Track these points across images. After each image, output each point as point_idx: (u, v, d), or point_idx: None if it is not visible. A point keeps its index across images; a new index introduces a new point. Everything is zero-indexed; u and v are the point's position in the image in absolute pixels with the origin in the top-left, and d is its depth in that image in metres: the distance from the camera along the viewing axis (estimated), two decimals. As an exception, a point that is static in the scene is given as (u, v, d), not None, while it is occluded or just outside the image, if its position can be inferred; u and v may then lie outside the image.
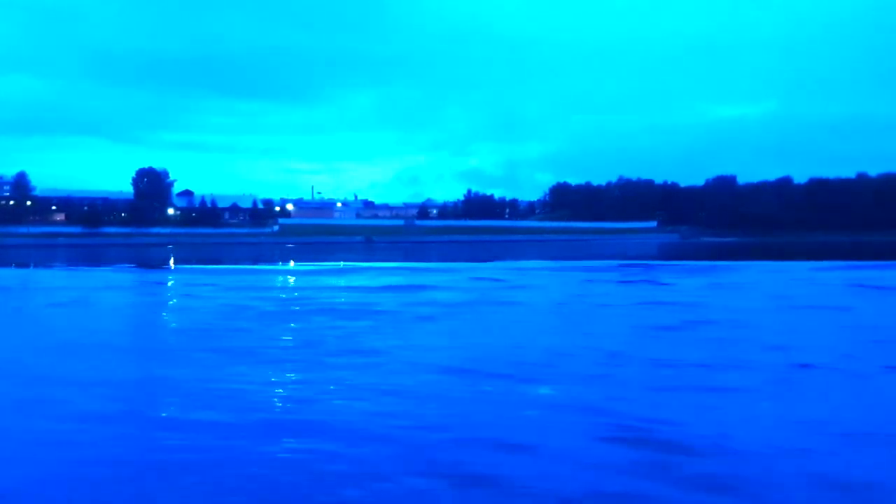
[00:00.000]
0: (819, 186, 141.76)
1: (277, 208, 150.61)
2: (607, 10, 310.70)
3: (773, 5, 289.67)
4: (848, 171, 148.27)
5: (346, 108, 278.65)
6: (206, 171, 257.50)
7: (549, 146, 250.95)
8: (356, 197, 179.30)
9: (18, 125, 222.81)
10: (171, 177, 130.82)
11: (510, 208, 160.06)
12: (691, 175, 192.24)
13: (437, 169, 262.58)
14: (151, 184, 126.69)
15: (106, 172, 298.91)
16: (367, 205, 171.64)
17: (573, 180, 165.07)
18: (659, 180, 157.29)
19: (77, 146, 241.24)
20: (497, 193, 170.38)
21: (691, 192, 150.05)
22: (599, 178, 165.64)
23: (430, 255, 63.03)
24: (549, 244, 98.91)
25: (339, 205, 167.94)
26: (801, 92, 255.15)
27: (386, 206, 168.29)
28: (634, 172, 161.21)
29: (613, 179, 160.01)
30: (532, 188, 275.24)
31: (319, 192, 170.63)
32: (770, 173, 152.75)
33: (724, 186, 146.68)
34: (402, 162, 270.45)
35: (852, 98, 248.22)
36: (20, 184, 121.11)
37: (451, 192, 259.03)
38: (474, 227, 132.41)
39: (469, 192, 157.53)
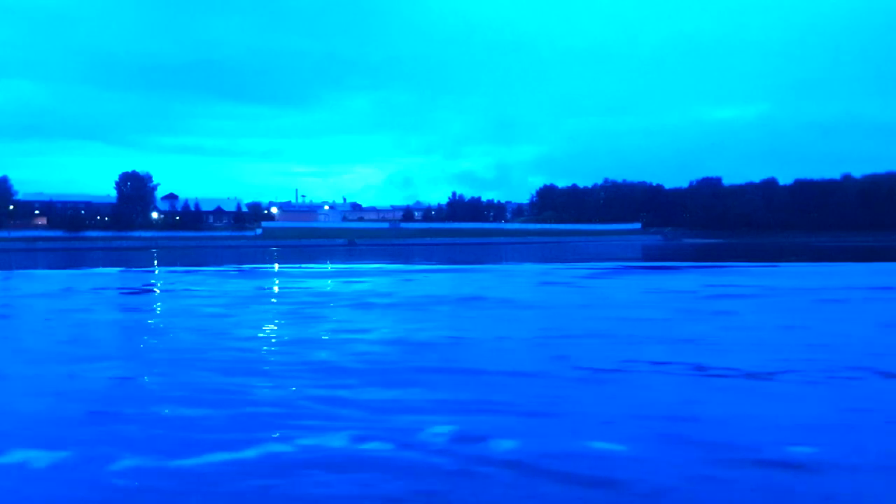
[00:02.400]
0: (803, 187, 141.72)
1: (266, 211, 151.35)
2: (599, 14, 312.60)
3: (762, 9, 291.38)
4: (836, 173, 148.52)
5: (341, 112, 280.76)
6: (203, 175, 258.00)
7: (542, 148, 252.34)
8: (345, 200, 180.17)
9: (14, 130, 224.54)
10: (155, 180, 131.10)
11: (495, 210, 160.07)
12: (681, 177, 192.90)
13: (430, 171, 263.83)
14: (135, 187, 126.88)
15: (101, 177, 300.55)
16: (355, 207, 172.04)
17: (566, 182, 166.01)
18: (647, 182, 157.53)
19: (73, 150, 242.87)
20: (491, 196, 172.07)
21: (677, 193, 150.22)
22: (591, 180, 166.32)
23: (394, 258, 63.01)
24: (524, 246, 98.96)
25: (326, 208, 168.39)
26: (791, 95, 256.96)
27: (373, 209, 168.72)
28: (626, 175, 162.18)
29: (601, 181, 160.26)
30: (525, 190, 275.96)
31: (304, 196, 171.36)
32: (758, 175, 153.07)
33: (708, 188, 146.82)
34: (396, 164, 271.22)
35: (841, 100, 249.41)
36: (2, 189, 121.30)
37: (443, 194, 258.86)
38: (457, 229, 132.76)
39: (454, 194, 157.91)
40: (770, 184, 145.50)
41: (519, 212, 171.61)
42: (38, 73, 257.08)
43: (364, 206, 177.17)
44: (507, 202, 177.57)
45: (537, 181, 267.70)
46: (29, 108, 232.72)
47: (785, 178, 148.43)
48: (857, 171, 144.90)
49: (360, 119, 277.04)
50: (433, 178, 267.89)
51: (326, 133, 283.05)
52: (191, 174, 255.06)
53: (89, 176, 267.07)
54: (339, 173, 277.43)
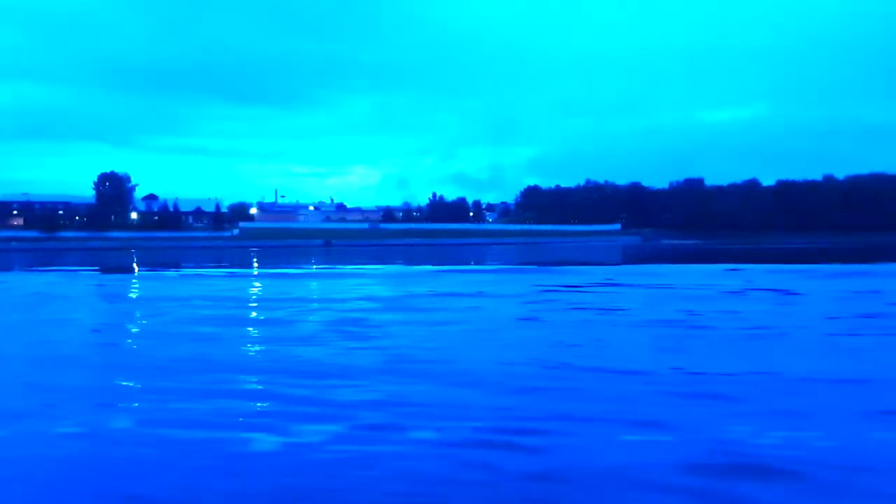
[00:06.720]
0: (786, 188, 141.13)
1: (253, 210, 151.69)
2: (595, 19, 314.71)
3: (752, 15, 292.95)
4: (819, 175, 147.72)
5: (341, 113, 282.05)
6: (203, 177, 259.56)
7: (538, 150, 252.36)
8: (332, 200, 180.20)
9: (18, 131, 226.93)
10: (143, 180, 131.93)
11: (475, 211, 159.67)
12: (669, 179, 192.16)
13: (427, 172, 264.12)
14: (113, 187, 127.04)
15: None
16: (340, 208, 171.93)
17: (558, 184, 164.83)
18: (633, 183, 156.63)
19: (75, 152, 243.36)
20: (486, 197, 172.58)
21: (659, 194, 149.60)
22: (580, 181, 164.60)
23: (363, 258, 62.69)
24: (497, 247, 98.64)
25: (311, 208, 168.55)
26: (779, 98, 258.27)
27: (358, 210, 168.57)
28: (617, 177, 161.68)
29: (582, 182, 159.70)
30: (519, 192, 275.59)
31: (283, 196, 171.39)
32: (743, 177, 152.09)
33: (690, 189, 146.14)
34: (393, 165, 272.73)
35: (826, 103, 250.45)
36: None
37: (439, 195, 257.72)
38: (437, 230, 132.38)
39: (434, 195, 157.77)
40: (752, 185, 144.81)
41: (506, 212, 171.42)
42: (42, 76, 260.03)
43: (351, 206, 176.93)
44: (502, 203, 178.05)
45: (532, 182, 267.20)
46: (33, 110, 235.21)
47: (768, 180, 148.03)
48: (840, 173, 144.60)
49: (359, 120, 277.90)
50: (430, 178, 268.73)
51: (326, 134, 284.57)
52: (191, 176, 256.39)
53: (89, 177, 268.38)
54: (337, 174, 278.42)
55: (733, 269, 36.40)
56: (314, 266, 47.83)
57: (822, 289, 24.07)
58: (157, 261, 61.78)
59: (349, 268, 44.62)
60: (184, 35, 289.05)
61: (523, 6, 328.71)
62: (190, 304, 20.76)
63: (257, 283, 32.32)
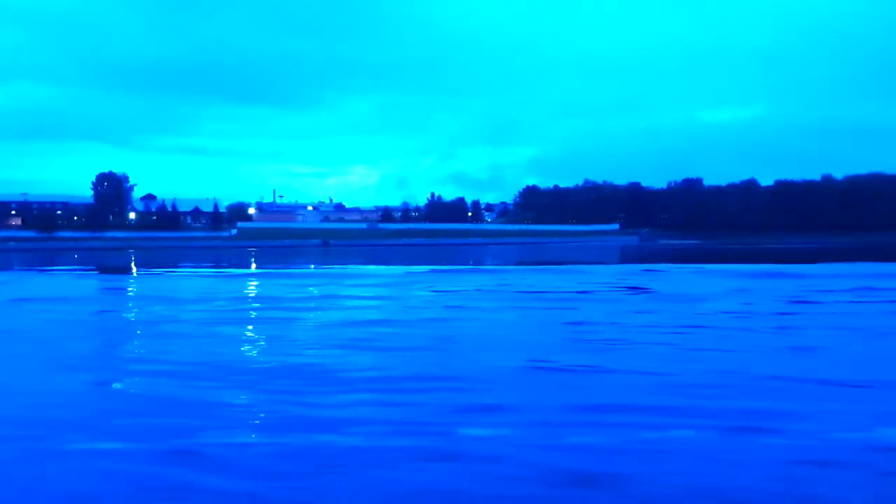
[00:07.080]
0: (784, 188, 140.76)
1: (251, 210, 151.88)
2: (594, 19, 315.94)
3: (750, 15, 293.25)
4: (818, 175, 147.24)
5: (342, 113, 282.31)
6: (204, 177, 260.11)
7: (538, 150, 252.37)
8: (331, 200, 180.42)
9: (20, 131, 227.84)
10: (142, 181, 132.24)
11: (474, 211, 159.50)
12: (669, 179, 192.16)
13: (427, 172, 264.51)
14: (111, 187, 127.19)
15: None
16: (338, 208, 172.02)
17: (557, 184, 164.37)
18: (627, 183, 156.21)
19: (77, 151, 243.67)
20: (486, 197, 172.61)
21: (658, 194, 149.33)
22: (579, 181, 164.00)
23: (355, 259, 62.80)
24: (490, 247, 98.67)
25: (310, 208, 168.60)
26: (779, 98, 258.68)
27: (357, 210, 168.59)
28: (618, 177, 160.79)
29: (581, 182, 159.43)
30: (518, 191, 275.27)
31: (281, 196, 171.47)
32: (742, 177, 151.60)
33: (689, 189, 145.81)
34: (393, 165, 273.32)
35: (825, 103, 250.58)
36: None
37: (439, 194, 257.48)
38: (435, 230, 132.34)
39: (432, 195, 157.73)
40: (751, 185, 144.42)
41: (505, 212, 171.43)
42: (42, 76, 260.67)
43: (350, 206, 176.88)
44: (501, 203, 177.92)
45: (531, 182, 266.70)
46: (33, 110, 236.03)
47: (767, 180, 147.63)
48: (839, 173, 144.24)
49: (359, 120, 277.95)
50: (429, 178, 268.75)
51: (326, 134, 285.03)
52: (190, 176, 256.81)
53: (88, 178, 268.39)
54: (337, 174, 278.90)
55: (649, 270, 37.43)
56: (308, 266, 48.05)
57: (703, 288, 24.96)
58: (151, 261, 61.89)
59: (319, 269, 45.08)
60: (184, 35, 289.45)
61: (523, 6, 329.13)
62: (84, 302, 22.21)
63: (190, 283, 33.05)
